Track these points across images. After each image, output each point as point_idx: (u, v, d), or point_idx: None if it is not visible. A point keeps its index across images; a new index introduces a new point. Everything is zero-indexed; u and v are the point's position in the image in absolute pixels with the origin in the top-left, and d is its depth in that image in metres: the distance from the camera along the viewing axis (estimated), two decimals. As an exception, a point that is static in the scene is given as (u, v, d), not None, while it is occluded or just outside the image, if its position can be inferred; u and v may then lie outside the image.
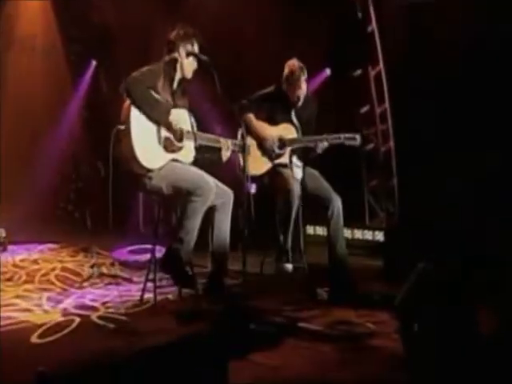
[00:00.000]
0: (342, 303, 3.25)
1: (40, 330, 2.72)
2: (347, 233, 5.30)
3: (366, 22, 5.12)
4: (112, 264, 4.09)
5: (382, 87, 5.25)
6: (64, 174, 6.97)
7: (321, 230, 5.37)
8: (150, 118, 3.00)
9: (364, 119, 5.37)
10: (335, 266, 3.71)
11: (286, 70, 3.75)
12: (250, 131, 3.73)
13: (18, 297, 3.32)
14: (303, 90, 3.73)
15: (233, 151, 3.31)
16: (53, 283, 3.68)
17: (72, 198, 7.06)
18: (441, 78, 4.60)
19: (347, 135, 3.73)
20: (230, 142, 3.29)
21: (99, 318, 2.95)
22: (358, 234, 5.30)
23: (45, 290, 3.49)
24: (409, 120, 4.95)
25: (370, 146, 5.41)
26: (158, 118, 3.02)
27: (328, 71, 5.34)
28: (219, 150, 3.27)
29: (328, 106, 4.77)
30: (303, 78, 3.70)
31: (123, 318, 2.93)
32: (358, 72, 5.28)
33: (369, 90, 5.28)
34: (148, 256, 3.41)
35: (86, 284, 3.60)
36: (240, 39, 5.09)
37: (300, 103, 3.78)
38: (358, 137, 3.72)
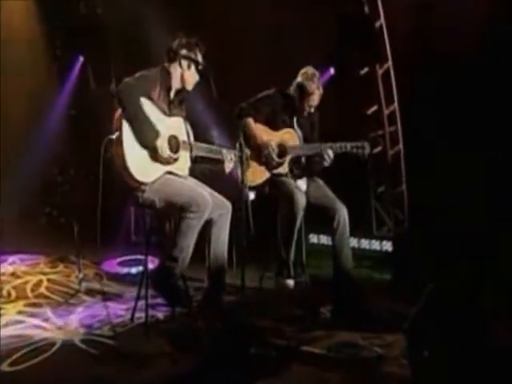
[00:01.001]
0: (347, 323, 3.26)
1: (14, 356, 2.68)
2: (353, 242, 5.35)
3: (373, 17, 5.13)
4: (101, 277, 4.11)
5: (390, 86, 5.27)
6: (49, 176, 6.98)
7: (325, 239, 5.42)
8: (136, 136, 3.01)
9: (371, 121, 5.39)
10: (340, 281, 3.75)
11: (303, 78, 3.77)
12: (248, 136, 3.76)
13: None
14: (317, 100, 3.77)
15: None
16: (48, 297, 3.73)
17: (57, 203, 7.08)
18: (454, 76, 4.62)
19: (354, 144, 3.74)
20: (233, 153, 3.31)
21: (83, 341, 2.92)
22: (365, 243, 5.34)
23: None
24: (419, 121, 4.97)
25: (378, 149, 5.43)
26: (145, 141, 3.02)
27: (332, 70, 5.36)
28: (220, 160, 3.30)
29: (332, 107, 4.81)
30: (320, 88, 3.75)
31: (109, 341, 2.92)
32: (365, 70, 5.30)
33: (376, 90, 5.30)
34: (140, 268, 3.44)
35: (71, 301, 3.59)
36: (239, 37, 5.11)
37: (306, 113, 3.81)
38: (367, 145, 3.73)
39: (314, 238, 5.54)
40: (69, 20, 6.38)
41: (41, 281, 4.15)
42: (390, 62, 5.19)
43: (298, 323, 3.25)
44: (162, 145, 3.04)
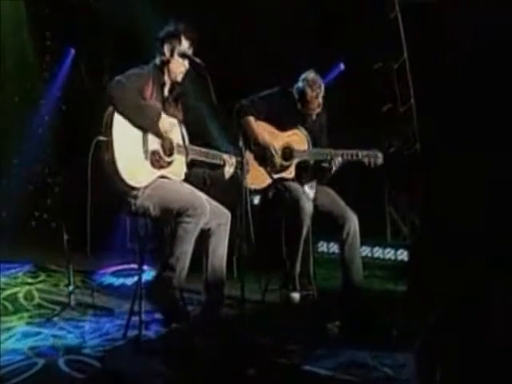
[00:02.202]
0: (356, 340, 3.28)
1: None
2: (365, 251, 5.37)
3: (388, 7, 5.14)
4: (92, 289, 4.15)
5: (406, 82, 5.27)
6: (39, 176, 7.03)
7: (335, 248, 5.43)
8: (136, 123, 3.06)
9: (385, 119, 5.40)
10: (349, 295, 3.78)
11: (303, 84, 3.81)
12: (249, 136, 3.78)
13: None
14: (318, 108, 3.82)
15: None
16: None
17: (48, 206, 7.14)
18: (476, 70, 4.61)
19: (366, 152, 3.80)
20: (234, 159, 3.36)
21: (67, 362, 2.84)
22: (378, 252, 5.36)
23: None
24: (438, 119, 4.97)
25: (392, 149, 5.44)
26: (146, 123, 3.07)
27: (342, 66, 5.38)
28: (219, 166, 3.35)
29: (342, 106, 4.83)
30: (321, 94, 3.79)
31: (97, 363, 2.87)
32: (379, 65, 5.30)
33: (391, 86, 5.30)
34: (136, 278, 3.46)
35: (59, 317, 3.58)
36: (243, 26, 5.14)
37: (313, 118, 3.84)
38: (380, 155, 3.79)
39: (323, 247, 5.57)
40: (59, 9, 6.45)
41: (30, 291, 4.21)
42: (405, 55, 5.20)
43: (302, 340, 3.26)
44: (165, 125, 3.09)
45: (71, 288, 3.72)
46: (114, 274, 4.73)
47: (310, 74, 3.82)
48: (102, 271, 4.74)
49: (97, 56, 6.14)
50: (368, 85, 5.24)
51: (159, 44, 3.24)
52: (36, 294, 4.17)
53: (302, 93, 3.80)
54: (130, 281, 4.48)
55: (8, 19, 6.25)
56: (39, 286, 4.37)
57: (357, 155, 3.81)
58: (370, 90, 5.25)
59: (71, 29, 6.32)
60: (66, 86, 6.79)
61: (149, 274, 4.28)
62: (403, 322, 3.49)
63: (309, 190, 3.86)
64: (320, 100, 3.80)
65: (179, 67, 3.25)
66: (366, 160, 3.81)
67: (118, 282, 4.57)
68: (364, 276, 4.66)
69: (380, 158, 3.82)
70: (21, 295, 4.11)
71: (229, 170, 3.34)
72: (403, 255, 5.26)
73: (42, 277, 4.67)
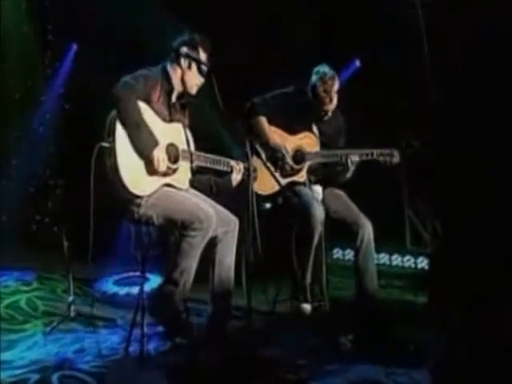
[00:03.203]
0: (370, 355, 3.31)
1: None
2: (383, 258, 5.40)
3: (407, 1, 5.13)
4: (94, 300, 4.21)
5: (425, 78, 5.26)
6: (40, 178, 7.12)
7: (351, 255, 5.44)
8: (130, 138, 3.12)
9: (403, 118, 5.39)
10: (363, 306, 3.83)
11: (316, 78, 3.85)
12: (260, 138, 3.85)
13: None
14: (333, 104, 3.86)
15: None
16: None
17: (50, 209, 7.23)
18: (502, 65, 4.61)
19: (382, 151, 3.84)
20: (241, 165, 3.43)
21: (62, 379, 2.89)
22: (397, 260, 5.37)
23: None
24: (461, 118, 4.97)
25: (411, 149, 5.43)
26: (141, 149, 3.12)
27: (358, 62, 5.41)
28: (226, 172, 3.43)
29: (358, 105, 4.87)
30: (335, 88, 3.81)
31: (93, 380, 2.91)
32: (395, 61, 5.27)
33: (409, 83, 5.29)
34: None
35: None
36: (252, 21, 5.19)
37: (327, 117, 3.89)
38: (396, 153, 3.83)
39: (338, 253, 5.60)
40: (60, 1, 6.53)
41: (29, 299, 4.32)
42: (425, 50, 5.19)
43: (312, 355, 3.31)
44: (159, 156, 3.14)
45: (71, 298, 3.77)
46: (118, 282, 4.79)
47: (322, 67, 3.87)
48: (104, 279, 4.81)
49: (100, 51, 6.20)
50: (384, 81, 5.24)
51: (174, 53, 3.31)
52: (38, 302, 4.27)
53: (314, 87, 3.84)
54: (134, 290, 4.51)
55: (8, 12, 6.37)
56: (37, 293, 4.48)
57: (372, 154, 3.86)
58: (385, 87, 5.25)
59: (73, 22, 6.38)
60: (68, 83, 6.85)
61: (154, 282, 4.39)
62: (422, 336, 3.47)
63: (318, 189, 3.91)
64: (332, 95, 3.82)
65: (195, 80, 3.34)
66: (381, 159, 3.86)
67: (121, 291, 4.64)
68: (381, 286, 4.72)
69: (397, 157, 3.86)
70: (23, 303, 4.21)
71: (236, 177, 3.41)
72: (424, 263, 5.25)
73: (35, 285, 4.73)
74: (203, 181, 3.47)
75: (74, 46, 6.57)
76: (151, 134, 3.14)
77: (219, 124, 4.09)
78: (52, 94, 6.93)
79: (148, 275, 4.56)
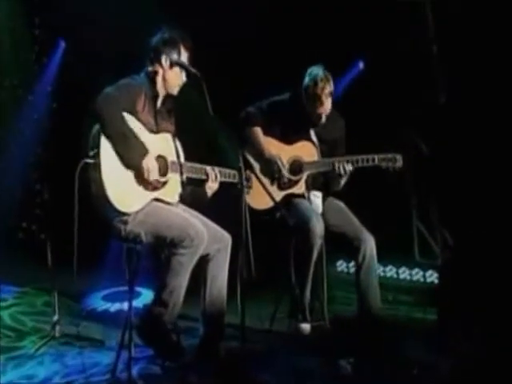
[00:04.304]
0: (370, 380, 3.37)
1: None
2: (390, 271, 5.43)
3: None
4: (81, 317, 4.26)
5: (436, 76, 5.27)
6: (27, 182, 7.15)
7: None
8: (118, 153, 3.17)
9: (411, 119, 5.40)
10: (365, 326, 3.87)
11: (307, 79, 3.91)
12: (254, 149, 3.92)
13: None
14: (326, 107, 3.89)
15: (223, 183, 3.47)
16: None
17: (37, 216, 7.25)
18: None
19: (383, 156, 3.89)
20: (217, 170, 3.46)
21: None
22: (405, 273, 5.39)
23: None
24: (473, 119, 4.98)
25: (419, 154, 5.44)
26: (129, 161, 3.18)
27: (361, 65, 5.45)
28: (203, 181, 3.45)
29: (362, 110, 4.91)
30: (328, 90, 3.85)
31: None
32: (402, 59, 5.27)
33: (418, 82, 5.29)
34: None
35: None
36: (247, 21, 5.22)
37: (322, 122, 3.94)
38: (399, 157, 3.87)
39: (342, 266, 5.63)
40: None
41: (12, 315, 4.39)
42: (435, 48, 5.21)
43: (309, 378, 3.36)
44: (148, 165, 3.18)
45: (55, 318, 3.80)
46: (106, 297, 4.80)
47: (315, 69, 3.92)
48: (92, 294, 4.83)
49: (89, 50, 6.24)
50: (391, 85, 5.26)
51: (153, 53, 3.36)
52: (25, 316, 4.36)
53: (306, 89, 3.90)
54: (124, 305, 4.55)
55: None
56: (17, 308, 4.56)
57: (373, 160, 3.91)
58: (392, 87, 5.26)
59: (61, 15, 6.40)
60: (57, 81, 6.90)
61: (146, 297, 4.44)
62: (429, 359, 3.51)
63: (315, 201, 3.96)
64: (323, 98, 3.86)
65: (177, 79, 3.38)
66: (383, 164, 3.90)
67: (110, 307, 4.66)
68: (387, 301, 4.78)
69: (399, 161, 3.90)
70: (7, 319, 4.28)
71: (212, 186, 3.43)
72: (433, 277, 5.27)
73: (10, 301, 4.76)
74: (193, 193, 3.49)
75: (62, 44, 6.61)
76: (139, 143, 3.20)
77: (209, 132, 4.14)
78: (40, 93, 6.96)
79: (140, 289, 4.67)
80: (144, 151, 3.20)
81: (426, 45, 5.15)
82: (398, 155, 3.91)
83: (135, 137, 3.20)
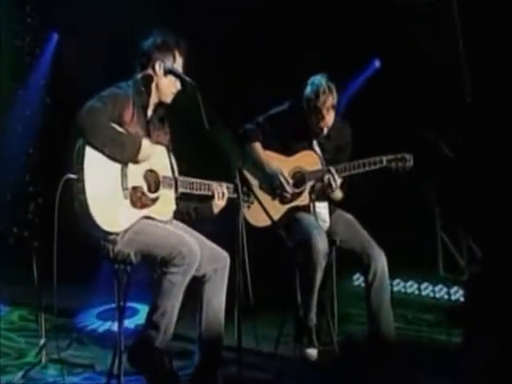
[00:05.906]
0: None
1: None
2: (411, 287, 5.49)
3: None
4: (71, 340, 4.32)
5: (458, 78, 5.30)
6: (19, 185, 7.26)
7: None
8: (114, 158, 3.26)
9: (431, 122, 5.43)
10: (376, 351, 3.95)
11: (309, 90, 4.00)
12: (255, 166, 4.05)
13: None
14: (328, 120, 3.99)
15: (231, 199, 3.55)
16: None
17: (29, 221, 7.36)
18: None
19: (392, 156, 3.96)
20: (225, 186, 3.54)
21: None
22: (427, 290, 5.43)
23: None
24: (503, 120, 5.01)
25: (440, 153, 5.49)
26: (125, 157, 3.26)
27: (377, 63, 5.50)
28: (209, 197, 3.55)
29: (378, 110, 4.98)
30: (329, 103, 3.94)
31: None
32: (420, 58, 5.31)
33: (437, 83, 5.33)
34: (127, 321, 3.61)
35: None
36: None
37: (323, 134, 4.03)
38: (409, 157, 3.94)
39: (359, 280, 5.67)
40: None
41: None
42: (460, 47, 5.25)
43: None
44: (146, 152, 3.27)
45: (42, 341, 3.87)
46: (101, 315, 4.88)
47: (318, 78, 4.00)
48: (84, 312, 4.92)
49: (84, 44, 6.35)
50: (408, 83, 5.30)
51: (145, 58, 3.43)
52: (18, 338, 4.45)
53: (307, 101, 4.00)
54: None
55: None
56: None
57: (380, 162, 3.97)
58: (410, 88, 5.31)
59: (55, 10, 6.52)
60: (50, 75, 6.99)
61: (143, 314, 4.55)
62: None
63: (321, 214, 4.06)
64: (324, 112, 3.94)
65: (171, 87, 3.44)
66: (393, 165, 3.96)
67: (103, 326, 4.72)
68: (408, 321, 4.86)
69: (410, 161, 3.95)
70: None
71: (218, 203, 3.52)
72: (459, 294, 5.32)
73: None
74: (188, 209, 3.59)
75: (55, 36, 6.71)
76: (130, 137, 3.27)
77: (205, 145, 4.24)
78: (32, 86, 7.07)
79: (137, 306, 4.79)
80: (138, 142, 3.27)
81: (451, 43, 5.19)
82: (407, 154, 3.97)
83: (125, 135, 3.26)
